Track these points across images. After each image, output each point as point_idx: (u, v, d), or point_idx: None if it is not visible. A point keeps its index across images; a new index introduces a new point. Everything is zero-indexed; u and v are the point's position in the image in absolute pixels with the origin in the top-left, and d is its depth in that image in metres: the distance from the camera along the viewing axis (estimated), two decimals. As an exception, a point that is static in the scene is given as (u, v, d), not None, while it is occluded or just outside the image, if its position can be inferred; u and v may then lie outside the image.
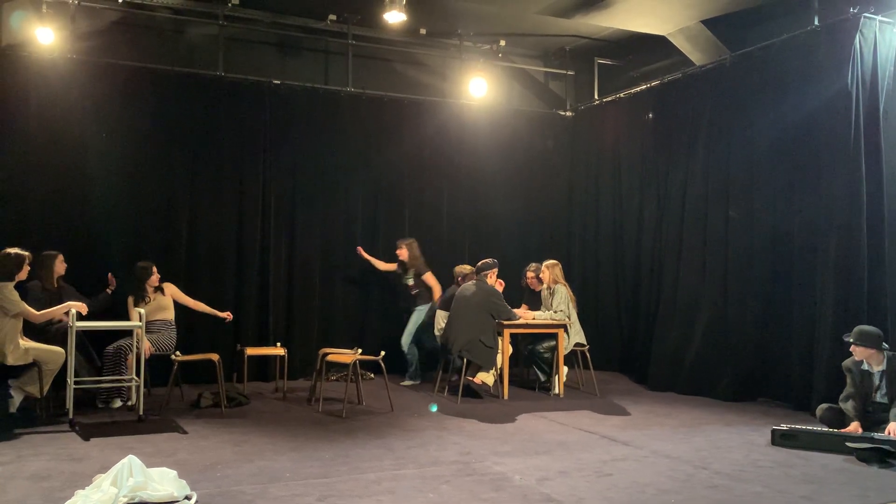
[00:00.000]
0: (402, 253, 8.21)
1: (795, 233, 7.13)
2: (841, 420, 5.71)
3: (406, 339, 8.15)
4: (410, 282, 8.26)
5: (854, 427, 5.51)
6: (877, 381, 5.65)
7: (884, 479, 4.75)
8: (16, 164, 7.50)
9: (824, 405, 5.96)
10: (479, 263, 7.56)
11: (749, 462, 5.11)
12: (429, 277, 8.25)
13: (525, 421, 6.41)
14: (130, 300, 7.04)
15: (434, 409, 6.54)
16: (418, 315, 8.17)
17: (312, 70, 9.19)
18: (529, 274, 8.17)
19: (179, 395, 7.02)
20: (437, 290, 8.22)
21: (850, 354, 5.77)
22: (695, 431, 6.07)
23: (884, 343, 5.62)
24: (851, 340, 5.65)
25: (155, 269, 7.10)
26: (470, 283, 7.49)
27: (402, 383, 8.05)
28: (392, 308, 9.09)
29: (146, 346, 6.53)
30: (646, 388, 8.22)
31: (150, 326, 6.84)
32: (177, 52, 8.47)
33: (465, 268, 8.01)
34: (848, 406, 5.67)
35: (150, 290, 7.04)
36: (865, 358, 5.63)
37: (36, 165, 7.56)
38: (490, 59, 9.84)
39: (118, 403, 6.60)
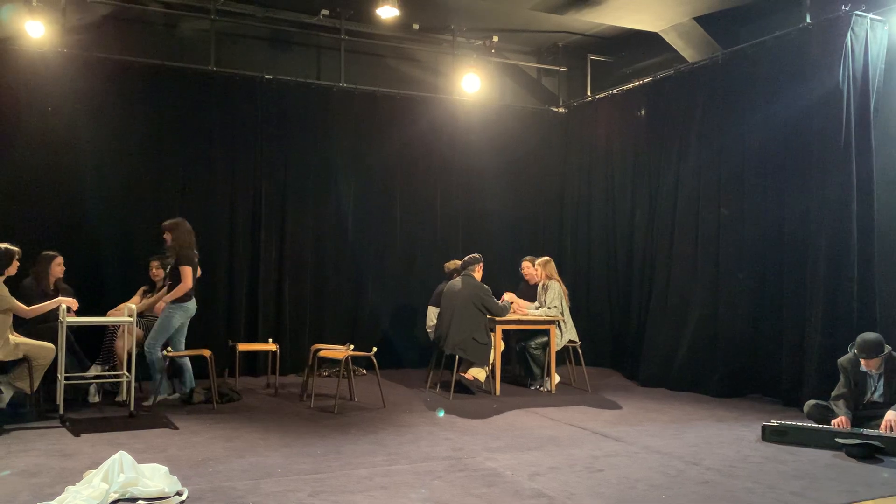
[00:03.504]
0: (167, 237, 6.74)
1: (786, 230, 7.16)
2: (827, 417, 5.73)
3: (148, 342, 6.58)
4: (169, 270, 6.78)
5: (841, 421, 5.52)
6: (874, 383, 5.66)
7: (872, 474, 4.78)
8: (5, 159, 7.45)
9: (811, 401, 5.98)
10: (465, 259, 7.58)
11: (739, 458, 5.13)
12: (185, 271, 6.58)
13: (516, 417, 6.42)
14: (141, 290, 7.17)
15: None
16: (168, 316, 6.62)
17: (304, 65, 9.16)
18: (526, 265, 8.17)
19: (171, 391, 6.99)
20: (182, 287, 6.57)
21: (845, 351, 5.79)
22: (686, 427, 6.09)
23: (886, 346, 5.61)
24: (856, 353, 5.62)
25: (155, 265, 7.14)
26: (457, 279, 7.49)
27: (144, 403, 6.51)
28: (384, 304, 9.10)
29: (137, 334, 6.52)
30: (637, 384, 8.25)
31: (142, 320, 6.85)
32: (168, 47, 8.43)
33: (456, 263, 8.01)
34: (840, 405, 5.68)
35: (156, 284, 7.14)
36: (874, 366, 5.63)
37: (26, 160, 7.51)
38: (483, 54, 9.83)
39: (96, 398, 6.62)
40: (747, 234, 7.52)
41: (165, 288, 6.94)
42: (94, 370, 6.65)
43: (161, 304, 6.65)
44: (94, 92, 7.79)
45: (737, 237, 7.60)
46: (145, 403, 6.56)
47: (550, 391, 7.53)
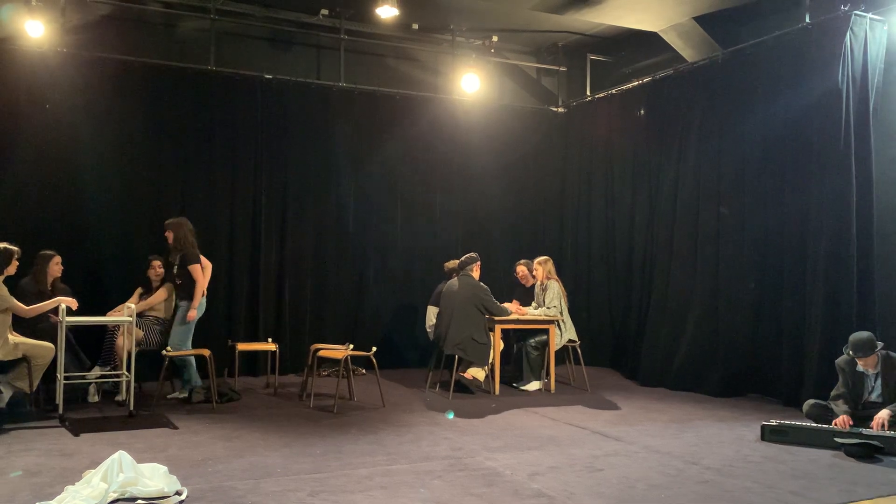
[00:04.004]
0: (169, 236, 6.85)
1: (786, 229, 7.16)
2: (826, 416, 5.73)
3: (172, 341, 6.71)
4: (175, 270, 6.87)
5: (842, 420, 5.53)
6: (871, 383, 5.67)
7: (872, 474, 4.79)
8: (4, 159, 7.44)
9: (811, 401, 5.99)
10: (462, 258, 7.58)
11: (739, 457, 5.13)
12: (195, 269, 6.70)
13: (516, 416, 6.42)
14: (138, 291, 7.15)
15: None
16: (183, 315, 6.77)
17: (304, 65, 9.16)
18: (520, 269, 8.19)
19: (170, 391, 7.00)
20: (200, 286, 6.72)
21: (842, 352, 5.80)
22: (685, 427, 6.10)
23: (878, 342, 5.63)
24: (852, 354, 5.63)
25: (157, 264, 7.12)
26: (454, 279, 7.50)
27: (171, 396, 6.84)
28: (384, 303, 9.10)
29: (137, 334, 6.52)
30: (637, 384, 8.26)
31: (143, 318, 6.85)
32: (168, 46, 8.43)
33: (455, 263, 8.01)
34: (839, 404, 5.69)
35: (152, 283, 7.13)
36: (871, 365, 5.64)
37: (25, 160, 7.50)
38: (482, 54, 9.83)
39: (96, 398, 6.63)
40: (747, 234, 7.52)
41: (167, 287, 6.98)
42: (96, 371, 6.65)
43: (192, 313, 6.69)
44: (94, 92, 7.78)
45: (736, 237, 7.60)
46: (177, 396, 6.76)
47: (548, 390, 7.52)
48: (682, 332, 7.98)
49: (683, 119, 8.29)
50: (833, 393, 5.80)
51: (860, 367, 5.66)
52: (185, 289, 6.79)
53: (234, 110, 8.39)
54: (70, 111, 7.67)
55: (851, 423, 5.49)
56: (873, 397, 5.67)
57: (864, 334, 5.66)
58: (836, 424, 5.52)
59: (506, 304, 7.58)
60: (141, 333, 6.71)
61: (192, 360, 6.81)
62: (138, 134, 8.02)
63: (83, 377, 6.48)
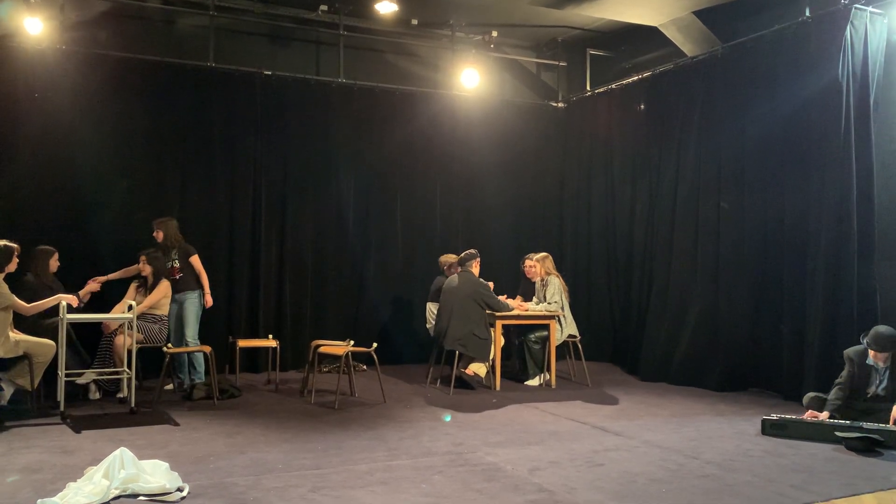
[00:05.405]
0: (159, 235, 7.23)
1: (786, 224, 7.16)
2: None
3: (191, 334, 7.18)
4: (177, 264, 7.23)
5: (813, 414, 5.61)
6: (879, 376, 5.67)
7: (872, 467, 4.79)
8: (3, 157, 7.44)
9: (811, 393, 6.00)
10: (462, 255, 7.59)
11: (739, 451, 5.14)
12: (197, 259, 7.28)
13: (517, 412, 6.43)
14: (133, 285, 7.16)
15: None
16: (194, 305, 7.23)
17: (304, 61, 9.15)
18: (529, 263, 8.17)
19: (171, 388, 7.01)
20: (204, 277, 7.29)
21: (848, 345, 5.79)
22: (686, 421, 6.10)
23: None
24: (868, 344, 5.62)
25: (144, 259, 7.07)
26: (454, 275, 7.50)
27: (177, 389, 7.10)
28: (384, 299, 9.11)
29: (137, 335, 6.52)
30: (637, 379, 8.26)
31: (141, 318, 6.84)
32: (167, 43, 8.42)
33: (451, 257, 8.02)
34: (834, 392, 5.69)
35: (148, 280, 7.09)
36: (882, 359, 5.63)
37: (25, 157, 7.50)
38: (482, 49, 9.82)
39: (97, 395, 6.62)
40: (747, 228, 7.52)
41: (165, 284, 6.98)
42: (93, 373, 6.62)
43: (209, 298, 7.26)
44: (93, 89, 7.76)
45: (737, 231, 7.59)
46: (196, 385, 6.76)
47: (548, 385, 7.52)
48: (683, 326, 7.98)
49: (683, 114, 8.28)
50: (836, 381, 5.79)
51: (870, 359, 5.66)
52: (185, 281, 7.04)
53: (233, 106, 8.38)
54: (69, 108, 7.66)
55: (816, 416, 5.56)
56: (879, 391, 5.67)
57: (887, 330, 5.64)
58: (806, 416, 5.62)
59: (508, 300, 7.58)
60: (141, 336, 6.70)
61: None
62: (137, 131, 8.01)
63: (83, 374, 6.47)
